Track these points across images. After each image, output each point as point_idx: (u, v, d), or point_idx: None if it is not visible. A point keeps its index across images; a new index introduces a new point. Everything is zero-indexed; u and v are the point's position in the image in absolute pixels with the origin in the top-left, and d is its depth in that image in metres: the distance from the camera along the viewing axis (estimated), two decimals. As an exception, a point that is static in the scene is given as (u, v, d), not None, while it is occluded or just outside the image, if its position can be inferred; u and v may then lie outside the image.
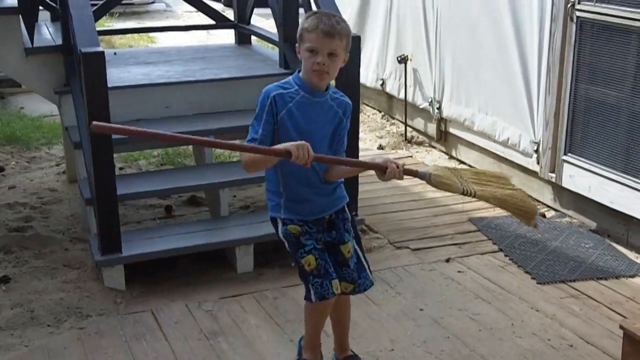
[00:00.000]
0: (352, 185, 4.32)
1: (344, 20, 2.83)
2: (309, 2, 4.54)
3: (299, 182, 2.91)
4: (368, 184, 5.42)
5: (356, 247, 3.10)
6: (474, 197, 2.86)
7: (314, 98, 2.85)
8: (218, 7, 7.58)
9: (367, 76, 7.12)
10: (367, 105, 7.54)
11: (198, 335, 3.60)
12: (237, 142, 3.24)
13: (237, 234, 4.31)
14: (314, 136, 2.81)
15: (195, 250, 4.23)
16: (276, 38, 5.07)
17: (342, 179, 3.05)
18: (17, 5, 4.53)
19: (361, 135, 6.37)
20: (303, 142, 2.64)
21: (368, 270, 3.11)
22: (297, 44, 2.84)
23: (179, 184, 4.53)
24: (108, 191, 3.89)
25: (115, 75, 4.74)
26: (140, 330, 3.65)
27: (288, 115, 2.82)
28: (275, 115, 2.80)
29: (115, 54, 5.63)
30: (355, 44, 4.07)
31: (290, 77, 2.90)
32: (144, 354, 3.45)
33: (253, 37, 5.88)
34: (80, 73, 3.78)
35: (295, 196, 2.94)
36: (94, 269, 4.14)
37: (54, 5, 5.02)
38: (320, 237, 2.99)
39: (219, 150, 5.89)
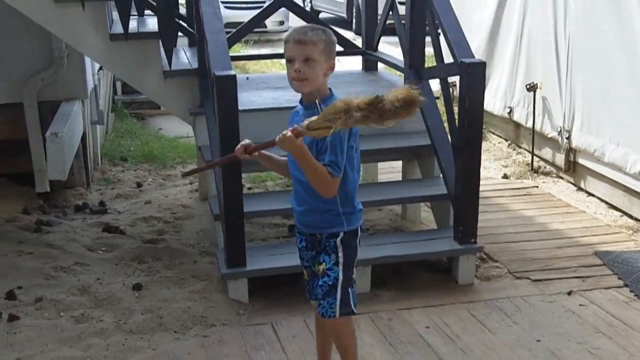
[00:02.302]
0: (472, 212, 4.33)
1: (321, 29, 2.89)
2: (436, 31, 4.60)
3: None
4: (491, 212, 5.40)
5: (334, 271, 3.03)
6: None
7: (305, 110, 2.89)
8: (349, 35, 7.76)
9: (495, 104, 7.08)
10: (493, 133, 7.47)
11: (314, 350, 3.68)
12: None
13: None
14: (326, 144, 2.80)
15: (315, 268, 4.34)
16: (402, 65, 5.16)
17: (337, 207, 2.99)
18: (157, 30, 4.81)
19: (485, 163, 6.36)
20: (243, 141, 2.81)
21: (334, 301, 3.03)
22: None
23: (302, 205, 4.67)
24: (236, 208, 4.07)
25: (247, 99, 4.96)
26: (260, 342, 3.79)
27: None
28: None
29: (247, 78, 5.89)
30: (481, 70, 4.11)
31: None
32: (262, 365, 3.59)
33: (380, 64, 5.99)
34: (214, 95, 4.01)
35: None
36: (219, 281, 4.34)
37: (192, 31, 5.31)
38: None
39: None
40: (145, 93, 5.41)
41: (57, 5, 4.56)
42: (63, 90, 5.73)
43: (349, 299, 3.06)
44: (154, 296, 4.25)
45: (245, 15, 11.26)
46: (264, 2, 14.54)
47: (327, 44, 2.85)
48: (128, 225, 5.34)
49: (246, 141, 2.82)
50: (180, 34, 5.20)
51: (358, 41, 6.38)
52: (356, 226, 3.07)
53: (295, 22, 15.26)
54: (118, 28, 4.78)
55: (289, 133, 2.65)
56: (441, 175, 4.66)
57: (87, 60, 5.87)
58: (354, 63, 6.71)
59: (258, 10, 6.28)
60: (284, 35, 2.93)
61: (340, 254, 3.02)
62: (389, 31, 5.86)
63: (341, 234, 3.01)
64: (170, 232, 5.24)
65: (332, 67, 2.90)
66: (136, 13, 5.41)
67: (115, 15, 5.10)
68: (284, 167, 3.05)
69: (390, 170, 6.22)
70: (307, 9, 15.78)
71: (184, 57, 5.51)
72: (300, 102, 2.96)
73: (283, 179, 6.35)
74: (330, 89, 2.94)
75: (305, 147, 2.72)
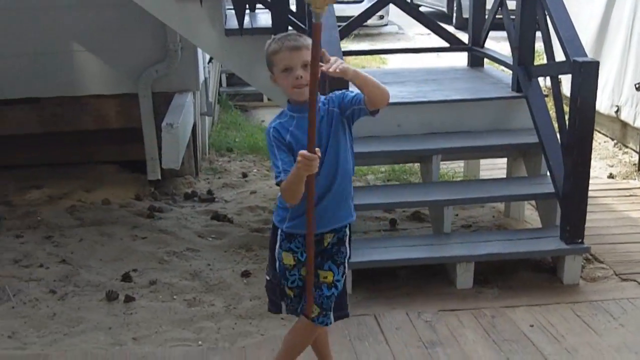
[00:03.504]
0: (580, 212, 4.29)
1: (299, 34, 2.86)
2: (547, 26, 4.56)
3: None
4: (596, 212, 5.32)
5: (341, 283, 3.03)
6: None
7: (300, 114, 2.79)
8: (449, 29, 7.73)
9: (601, 102, 6.92)
10: (599, 132, 7.31)
11: (417, 343, 3.76)
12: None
13: (459, 251, 4.42)
14: (322, 144, 2.79)
15: (418, 262, 4.41)
16: (510, 61, 5.13)
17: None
18: (270, 25, 4.94)
19: (591, 162, 6.22)
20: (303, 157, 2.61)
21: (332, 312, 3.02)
22: (270, 75, 2.86)
23: (405, 199, 4.73)
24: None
25: (353, 94, 5.04)
26: (363, 332, 3.88)
27: (293, 138, 2.81)
28: (283, 140, 2.81)
29: (353, 73, 5.96)
30: (593, 69, 4.06)
31: (285, 109, 2.90)
32: (366, 354, 3.67)
33: (485, 60, 5.96)
34: (325, 91, 4.09)
35: None
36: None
37: (303, 26, 5.41)
38: None
39: (443, 170, 6.04)
40: (257, 87, 5.56)
41: (176, 1, 4.76)
42: (176, 82, 5.98)
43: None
44: (262, 283, 4.31)
45: (346, 9, 11.37)
46: (364, -3, 14.63)
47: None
48: (235, 214, 5.53)
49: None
50: (290, 28, 5.32)
51: (458, 35, 6.35)
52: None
53: (394, 16, 15.29)
54: (232, 23, 4.94)
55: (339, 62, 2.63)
56: (548, 174, 4.63)
57: (199, 53, 6.09)
58: (458, 59, 6.69)
59: (358, 5, 6.32)
60: (271, 48, 2.81)
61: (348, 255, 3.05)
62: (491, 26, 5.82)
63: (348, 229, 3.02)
64: (275, 221, 5.38)
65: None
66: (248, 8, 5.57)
67: (228, 11, 5.27)
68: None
69: (491, 167, 6.19)
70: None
71: (293, 52, 5.61)
72: (292, 112, 2.84)
73: (384, 172, 6.42)
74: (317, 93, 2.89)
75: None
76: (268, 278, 3.12)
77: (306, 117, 2.67)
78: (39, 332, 3.89)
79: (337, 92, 2.87)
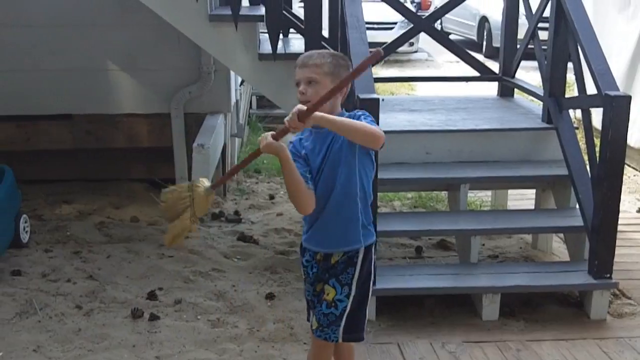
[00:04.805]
0: (608, 247, 4.25)
1: (330, 53, 2.95)
2: (578, 58, 4.55)
3: None
4: (625, 247, 5.26)
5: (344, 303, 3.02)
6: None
7: (319, 129, 2.87)
8: (479, 57, 7.74)
9: (631, 136, 6.86)
10: (629, 166, 7.24)
11: (441, 374, 3.74)
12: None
13: (485, 282, 4.39)
14: (338, 159, 2.86)
15: (443, 292, 4.39)
16: (541, 92, 5.12)
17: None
18: (303, 51, 4.97)
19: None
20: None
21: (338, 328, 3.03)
22: None
23: (432, 227, 4.73)
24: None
25: (383, 120, 5.03)
26: (386, 361, 3.87)
27: (310, 151, 2.92)
28: (299, 153, 2.92)
29: (382, 100, 5.99)
30: (625, 104, 4.06)
31: None
32: (389, 383, 3.66)
33: (515, 90, 5.96)
34: (356, 116, 4.12)
35: None
36: (348, 297, 4.44)
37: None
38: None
39: (470, 199, 6.02)
40: (287, 110, 5.53)
41: (211, 25, 4.84)
42: (208, 103, 6.05)
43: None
44: (286, 306, 4.40)
45: (376, 36, 11.41)
46: (395, 24, 14.71)
47: (333, 66, 2.88)
48: (261, 236, 5.55)
49: (269, 133, 2.77)
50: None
51: (488, 64, 6.35)
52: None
53: (424, 43, 15.33)
54: (265, 48, 5.00)
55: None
56: (577, 207, 4.60)
57: (232, 75, 6.16)
58: (487, 88, 6.69)
59: (388, 32, 6.36)
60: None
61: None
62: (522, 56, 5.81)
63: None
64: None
65: (344, 92, 2.90)
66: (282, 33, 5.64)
67: (262, 35, 5.33)
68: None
69: (520, 197, 6.16)
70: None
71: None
72: (310, 129, 2.92)
73: (411, 198, 6.41)
74: (343, 109, 2.95)
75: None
76: None
77: (321, 133, 2.85)
78: (63, 347, 3.93)
79: (358, 113, 2.91)
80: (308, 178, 2.86)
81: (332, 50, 3.09)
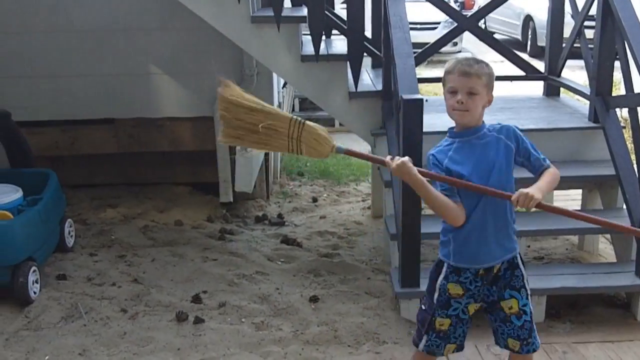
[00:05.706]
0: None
1: (484, 62, 2.87)
2: (626, 56, 4.46)
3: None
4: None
5: (528, 306, 3.05)
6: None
7: (470, 137, 2.88)
8: (523, 57, 7.63)
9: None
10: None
11: (487, 377, 3.69)
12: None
13: (531, 284, 4.18)
14: (488, 170, 2.84)
15: (489, 294, 4.32)
16: (587, 91, 5.03)
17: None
18: (345, 52, 4.98)
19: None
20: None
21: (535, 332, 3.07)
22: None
23: (476, 229, 4.66)
24: (413, 229, 4.13)
25: (427, 121, 5.00)
26: (431, 364, 3.82)
27: (452, 161, 2.87)
28: (441, 165, 2.87)
29: (426, 100, 5.93)
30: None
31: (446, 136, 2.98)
32: (445, 388, 3.61)
33: (561, 89, 5.86)
34: (399, 117, 4.10)
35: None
36: (392, 299, 4.42)
37: (377, 53, 5.43)
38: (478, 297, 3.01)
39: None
40: (331, 112, 5.59)
41: (254, 26, 4.85)
42: (251, 106, 6.04)
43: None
44: (330, 309, 4.39)
45: (419, 36, 11.34)
46: (438, 23, 14.60)
47: (489, 78, 2.87)
48: (304, 239, 5.55)
49: (406, 158, 2.83)
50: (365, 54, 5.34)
51: (533, 63, 6.27)
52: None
53: (468, 43, 15.18)
54: (308, 49, 5.00)
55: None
56: (624, 207, 4.50)
57: (275, 77, 6.16)
58: (533, 88, 6.60)
59: (432, 31, 6.31)
60: (447, 66, 2.94)
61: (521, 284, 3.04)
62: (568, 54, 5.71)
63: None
64: (344, 247, 5.39)
65: (490, 100, 2.91)
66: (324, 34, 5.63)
67: (304, 36, 5.33)
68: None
69: (565, 198, 6.05)
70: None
71: (367, 78, 5.64)
72: (452, 138, 2.94)
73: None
74: (483, 121, 2.94)
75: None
76: (423, 308, 3.13)
77: (465, 142, 2.86)
78: (109, 351, 3.97)
79: (518, 134, 2.91)
80: (455, 193, 2.85)
81: (480, 59, 3.06)
